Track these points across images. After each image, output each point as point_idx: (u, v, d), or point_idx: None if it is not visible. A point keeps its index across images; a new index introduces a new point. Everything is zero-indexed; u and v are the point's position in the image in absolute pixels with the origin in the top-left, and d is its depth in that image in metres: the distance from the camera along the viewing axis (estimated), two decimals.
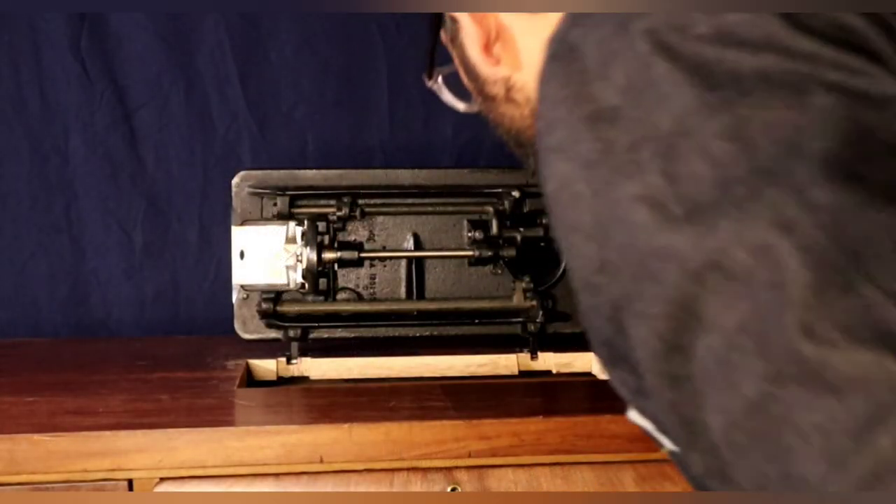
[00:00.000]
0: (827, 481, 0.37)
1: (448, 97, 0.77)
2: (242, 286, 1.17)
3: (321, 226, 1.17)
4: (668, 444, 0.50)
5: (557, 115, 0.46)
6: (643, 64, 0.44)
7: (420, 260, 1.22)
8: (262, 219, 1.18)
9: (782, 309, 0.39)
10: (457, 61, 0.70)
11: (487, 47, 0.64)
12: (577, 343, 1.20)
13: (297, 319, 1.17)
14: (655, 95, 0.43)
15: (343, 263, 1.18)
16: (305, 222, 1.15)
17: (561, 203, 0.47)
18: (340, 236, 1.21)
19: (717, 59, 0.43)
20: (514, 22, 0.62)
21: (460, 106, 0.77)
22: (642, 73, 0.44)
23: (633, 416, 0.53)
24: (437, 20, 0.68)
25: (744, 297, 0.40)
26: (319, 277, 1.17)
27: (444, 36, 0.70)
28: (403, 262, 1.22)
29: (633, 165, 0.43)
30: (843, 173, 0.40)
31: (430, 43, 0.70)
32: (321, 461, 0.90)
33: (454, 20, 0.66)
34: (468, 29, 0.64)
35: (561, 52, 0.47)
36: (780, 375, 0.38)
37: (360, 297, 1.22)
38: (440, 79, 0.76)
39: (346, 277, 1.22)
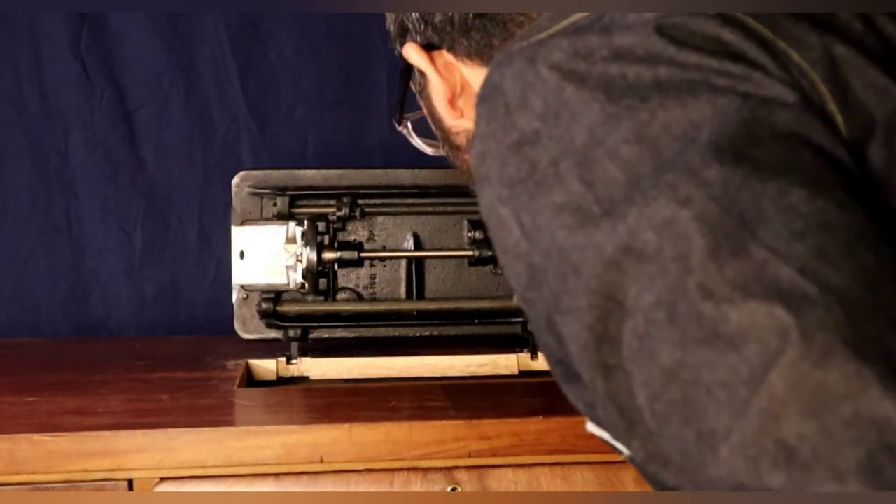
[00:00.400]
0: (731, 429, 0.39)
1: (417, 141, 0.81)
2: (242, 286, 1.17)
3: (321, 226, 1.17)
4: (624, 451, 0.51)
5: (486, 148, 0.50)
6: (555, 90, 0.48)
7: (420, 260, 1.22)
8: (262, 219, 1.17)
9: (686, 276, 0.41)
10: (425, 111, 0.74)
11: (453, 101, 0.68)
12: None
13: (297, 319, 1.16)
14: (569, 115, 0.47)
15: (343, 263, 1.18)
16: (305, 222, 1.15)
17: (492, 227, 0.51)
18: (340, 236, 1.21)
19: (621, 74, 0.47)
20: (475, 78, 0.66)
21: (428, 150, 0.81)
22: (556, 97, 0.48)
23: (591, 427, 0.55)
24: (406, 74, 0.73)
25: (656, 275, 0.42)
26: (319, 277, 1.17)
27: (413, 87, 0.74)
28: (403, 262, 1.22)
29: (555, 177, 0.47)
30: (731, 155, 0.44)
31: (400, 93, 0.75)
32: (321, 461, 0.90)
33: (422, 74, 0.69)
34: (435, 84, 0.68)
35: (487, 93, 0.51)
36: (686, 338, 0.41)
37: (360, 297, 1.22)
38: (409, 124, 0.80)
39: (346, 277, 1.22)
